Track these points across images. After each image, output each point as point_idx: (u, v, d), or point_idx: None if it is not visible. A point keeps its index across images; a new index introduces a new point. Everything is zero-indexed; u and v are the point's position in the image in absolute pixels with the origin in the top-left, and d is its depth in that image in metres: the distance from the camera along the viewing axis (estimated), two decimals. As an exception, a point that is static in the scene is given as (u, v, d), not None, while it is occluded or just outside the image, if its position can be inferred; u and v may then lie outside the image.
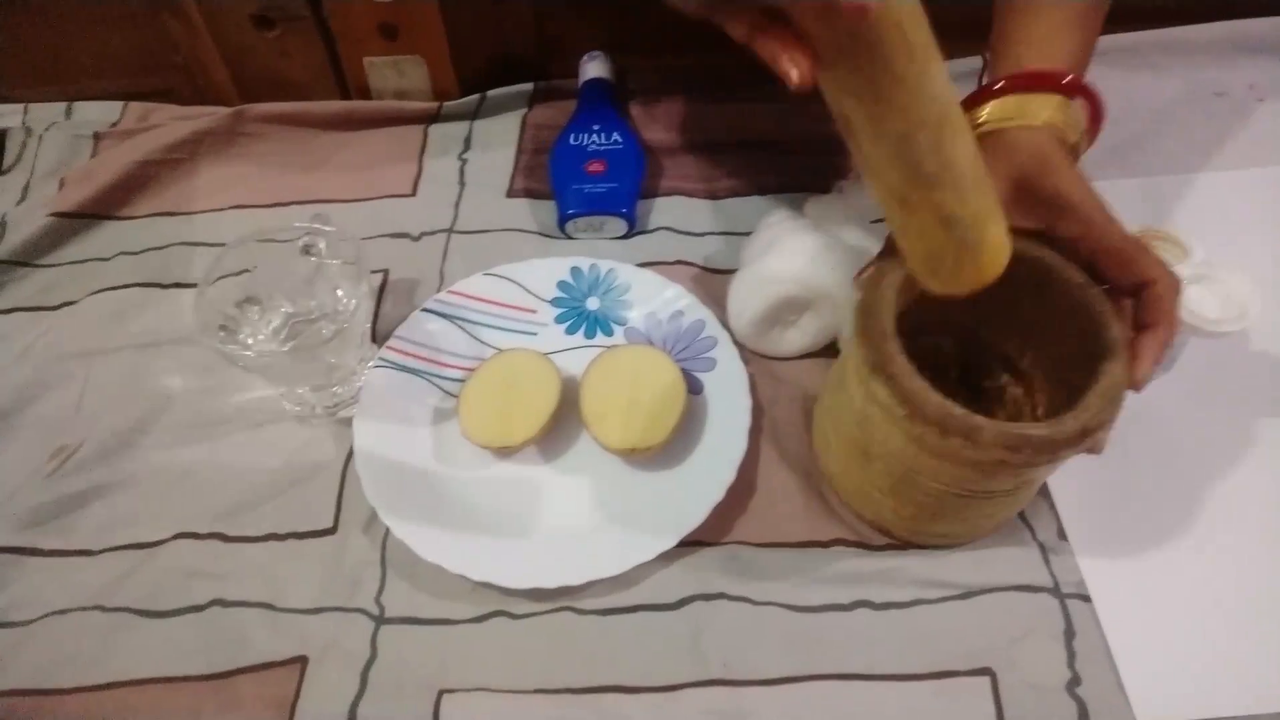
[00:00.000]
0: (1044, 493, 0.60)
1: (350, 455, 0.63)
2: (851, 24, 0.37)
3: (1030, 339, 0.57)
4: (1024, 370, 0.59)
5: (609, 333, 0.69)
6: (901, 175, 0.43)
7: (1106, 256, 0.50)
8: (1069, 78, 0.54)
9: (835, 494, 0.60)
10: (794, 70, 0.37)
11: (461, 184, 0.80)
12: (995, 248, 0.46)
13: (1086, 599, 0.55)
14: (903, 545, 0.58)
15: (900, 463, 0.51)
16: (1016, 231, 0.48)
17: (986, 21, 0.58)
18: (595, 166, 0.76)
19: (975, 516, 0.54)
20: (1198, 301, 0.57)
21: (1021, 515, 0.59)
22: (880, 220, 0.67)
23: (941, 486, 0.51)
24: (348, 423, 0.63)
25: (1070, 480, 0.59)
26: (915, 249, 0.48)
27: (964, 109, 0.54)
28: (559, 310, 0.70)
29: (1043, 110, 0.53)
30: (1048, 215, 0.51)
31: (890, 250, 0.53)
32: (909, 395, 0.47)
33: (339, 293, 0.63)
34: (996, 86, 0.54)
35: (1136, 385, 0.48)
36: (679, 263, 0.73)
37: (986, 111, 0.54)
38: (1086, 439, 0.46)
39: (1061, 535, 0.58)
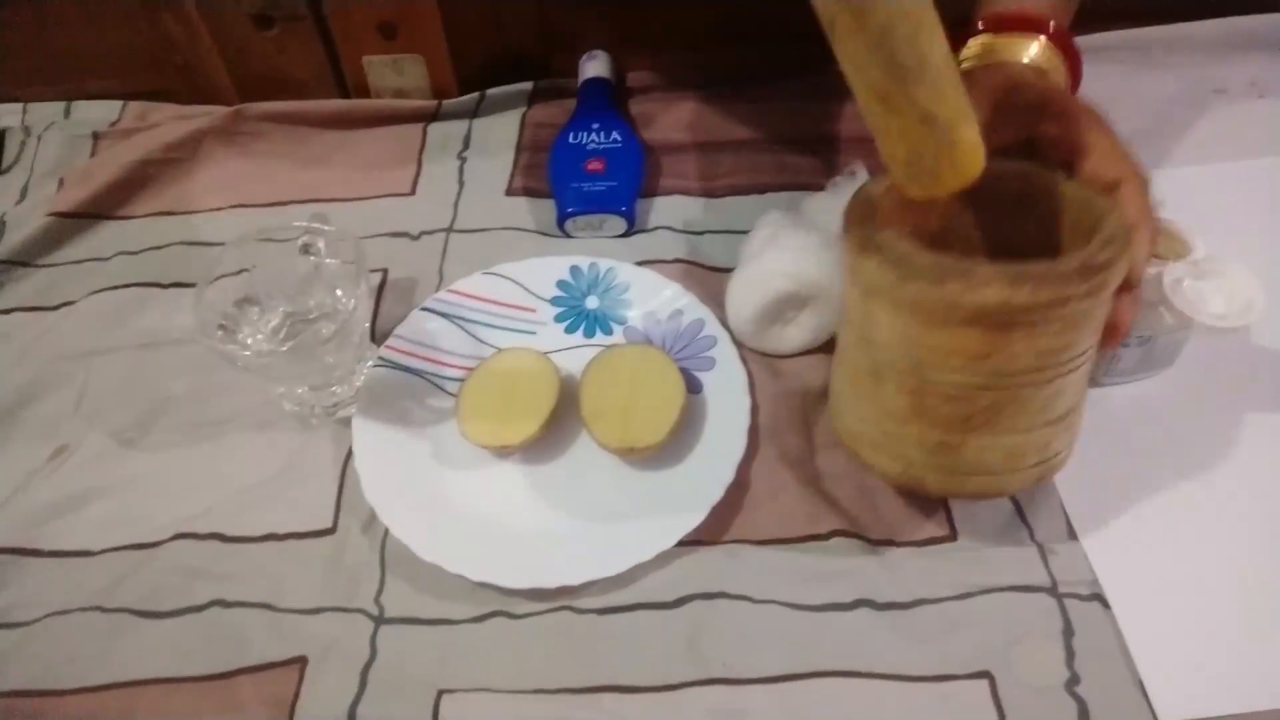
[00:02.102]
0: (1043, 490, 0.59)
1: (349, 455, 0.63)
2: None
3: (1022, 254, 0.55)
4: None
5: (608, 332, 0.69)
6: (882, 70, 0.44)
7: (1083, 154, 0.51)
8: (1051, 25, 0.55)
9: (859, 460, 0.56)
10: None
11: (461, 183, 0.80)
12: (970, 146, 0.47)
13: (1085, 598, 0.55)
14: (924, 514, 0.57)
15: (907, 354, 0.48)
16: (997, 152, 0.48)
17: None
18: (594, 165, 0.76)
19: (1008, 432, 0.50)
20: (1202, 297, 0.57)
21: (1021, 515, 0.58)
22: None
23: (957, 378, 0.48)
24: (347, 422, 0.63)
25: (1079, 478, 0.59)
26: (896, 152, 0.48)
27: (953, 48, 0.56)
28: (558, 309, 0.70)
29: (1024, 51, 0.55)
30: (1028, 121, 0.52)
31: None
32: (900, 258, 0.46)
33: (338, 292, 0.63)
34: (979, 27, 0.56)
35: (1131, 284, 0.49)
36: (678, 261, 0.73)
37: (968, 50, 0.56)
38: (1091, 277, 0.45)
39: (1071, 535, 0.58)
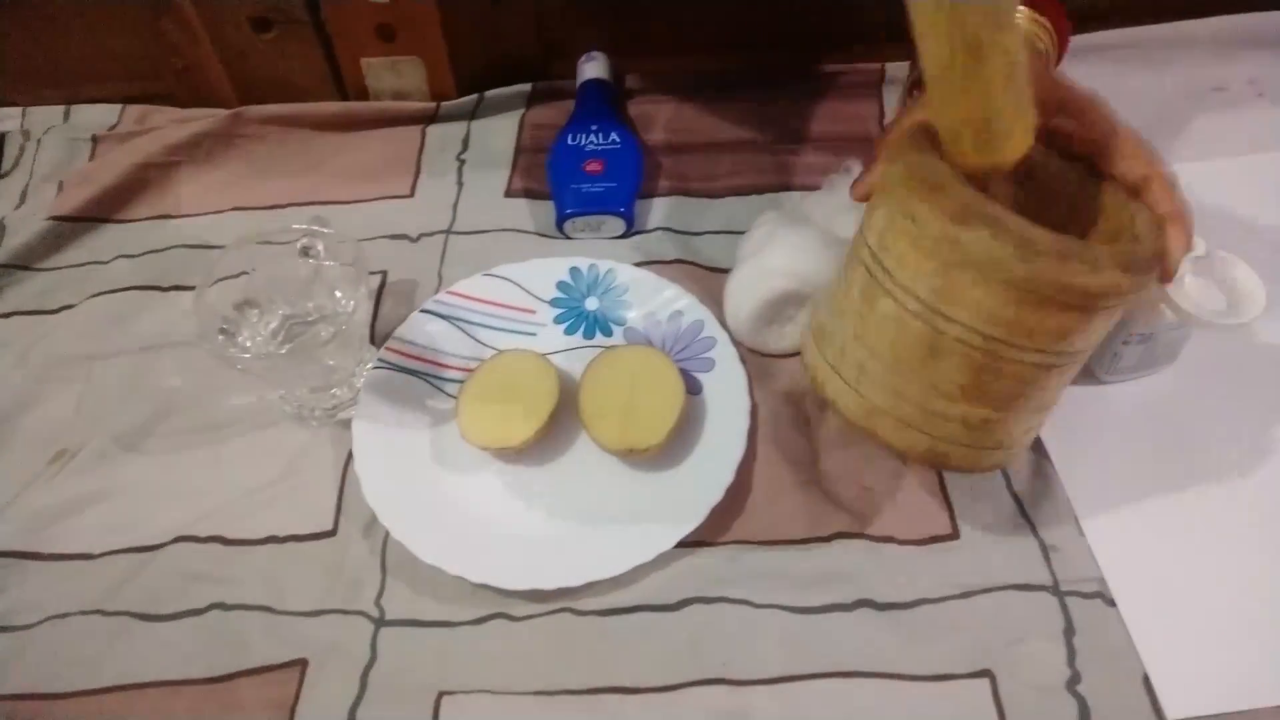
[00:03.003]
0: (1045, 489, 0.59)
1: (349, 457, 0.63)
2: None
3: None
4: None
5: (608, 333, 0.69)
6: (982, 15, 0.43)
7: (1108, 152, 0.51)
8: None
9: (872, 435, 0.52)
10: None
11: (460, 184, 0.80)
12: (1034, 114, 0.47)
13: (1087, 595, 0.55)
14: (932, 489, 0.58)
15: (984, 337, 0.46)
16: None
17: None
18: (593, 166, 0.76)
19: (1043, 406, 0.51)
20: (1204, 294, 0.57)
21: (1023, 512, 0.58)
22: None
23: (1031, 357, 0.47)
24: (347, 425, 0.63)
25: (1085, 476, 0.59)
26: (975, 113, 0.47)
27: None
28: (558, 311, 0.70)
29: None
30: (1040, 113, 0.51)
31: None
32: (1017, 231, 0.43)
33: (337, 294, 0.63)
34: None
35: (1168, 274, 0.49)
36: (677, 262, 0.73)
37: None
38: (1157, 265, 0.47)
39: (1074, 532, 0.58)
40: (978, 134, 0.47)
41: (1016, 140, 0.47)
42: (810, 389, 0.65)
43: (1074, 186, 0.51)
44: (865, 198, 0.54)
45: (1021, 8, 0.55)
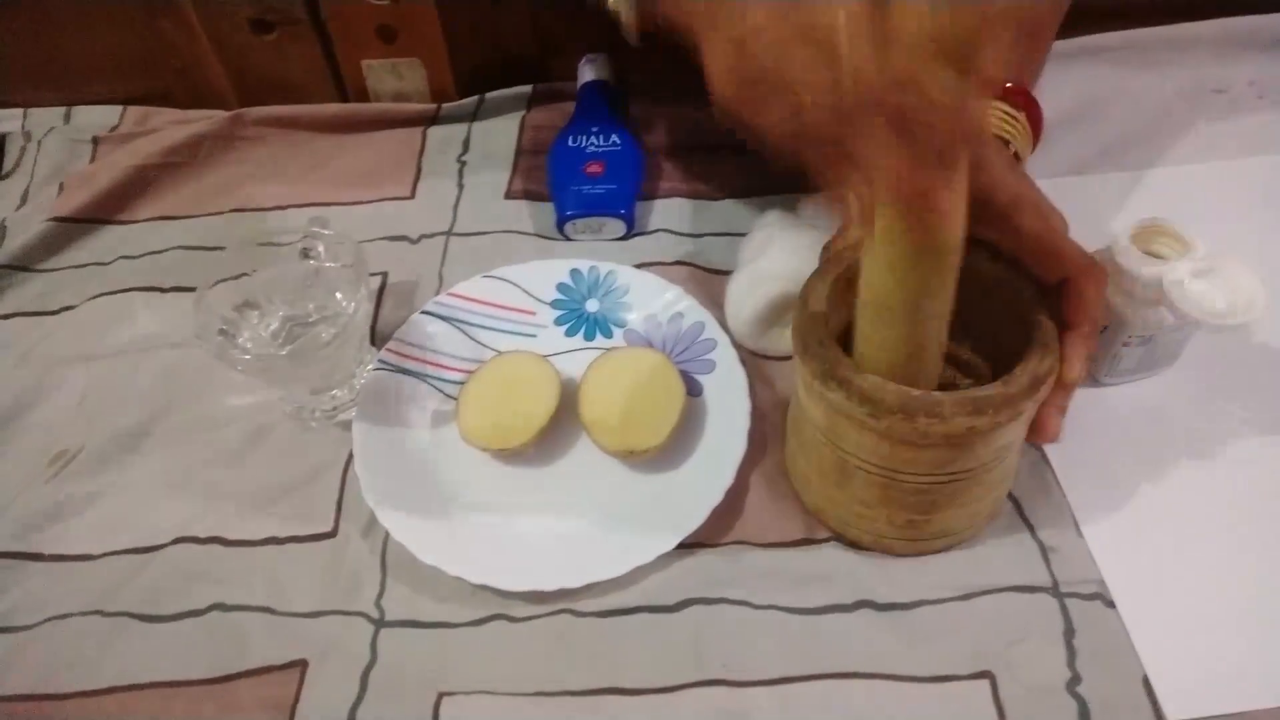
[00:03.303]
0: (1044, 491, 0.59)
1: (349, 458, 0.63)
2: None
3: (964, 331, 0.56)
4: (965, 360, 0.59)
5: (608, 335, 0.69)
6: (921, 285, 0.46)
7: (1028, 249, 0.51)
8: (1010, 84, 0.56)
9: (831, 532, 0.58)
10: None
11: (460, 186, 0.80)
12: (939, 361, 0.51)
13: (1086, 597, 0.55)
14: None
15: (879, 465, 0.51)
16: None
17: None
18: (594, 168, 0.76)
19: (970, 502, 0.54)
20: (1204, 295, 0.57)
21: (1021, 514, 0.58)
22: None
23: (925, 478, 0.51)
24: (347, 425, 0.63)
25: (1084, 478, 0.59)
26: (892, 356, 0.49)
27: None
28: (558, 312, 0.70)
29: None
30: (976, 216, 0.50)
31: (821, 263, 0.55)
32: (865, 393, 0.47)
33: (338, 296, 0.63)
34: None
35: (1067, 386, 0.50)
36: (678, 264, 0.73)
37: None
38: (1039, 388, 0.48)
39: (1073, 533, 0.57)
40: (888, 368, 0.49)
41: (928, 366, 0.50)
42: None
43: (1005, 287, 0.53)
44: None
45: (995, 102, 0.55)
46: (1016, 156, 0.60)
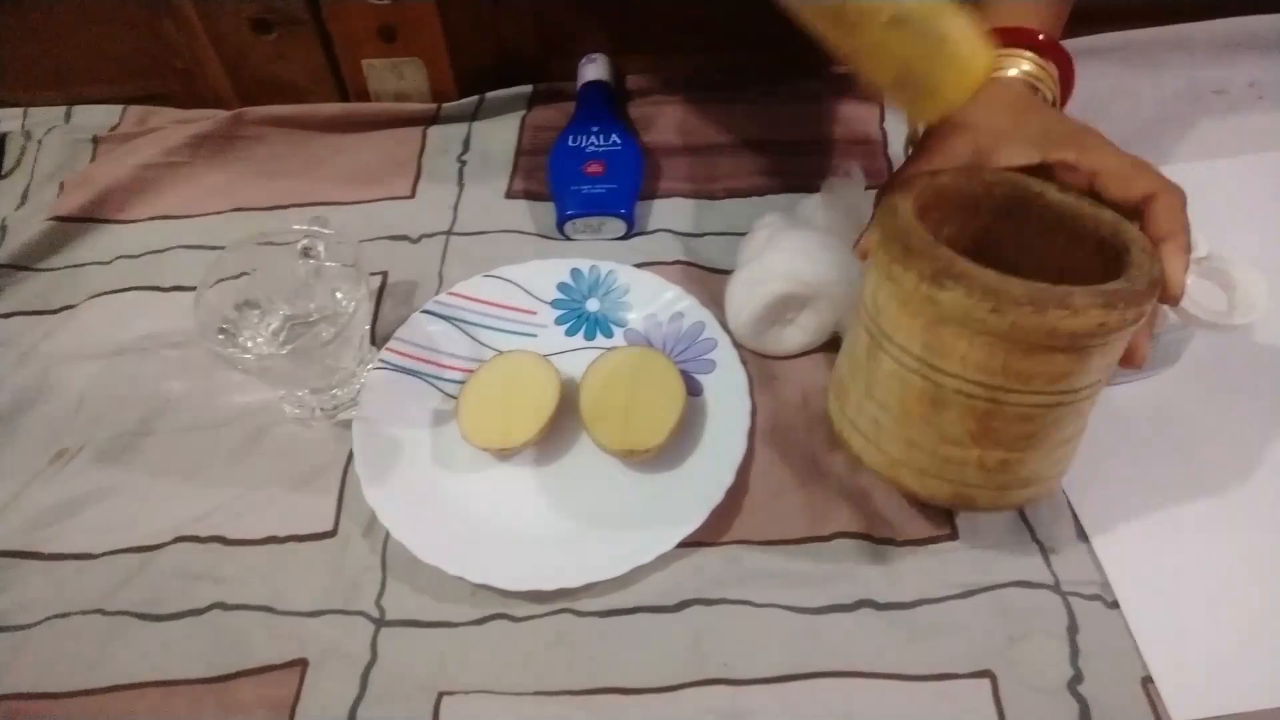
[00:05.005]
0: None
1: (350, 458, 0.63)
2: None
3: (1013, 271, 0.54)
4: None
5: (609, 334, 0.69)
6: None
7: (1105, 177, 0.50)
8: (1042, 36, 0.55)
9: (904, 491, 0.54)
10: None
11: (460, 185, 0.80)
12: (962, 35, 0.44)
13: (1087, 597, 0.55)
14: (949, 536, 0.57)
15: (985, 380, 0.47)
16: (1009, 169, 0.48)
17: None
18: (594, 168, 0.76)
19: (1063, 442, 0.51)
20: (1206, 295, 0.57)
21: (1022, 515, 0.58)
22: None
23: (1033, 400, 0.47)
24: (347, 425, 0.63)
25: (1088, 479, 0.59)
26: (883, 75, 0.45)
27: None
28: (559, 312, 0.70)
29: (1016, 66, 0.54)
30: (1038, 150, 0.51)
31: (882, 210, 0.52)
32: (990, 286, 0.44)
33: (338, 295, 0.63)
34: None
35: (1172, 298, 0.48)
36: (678, 263, 0.73)
37: None
38: (1155, 292, 0.46)
39: (1074, 534, 0.58)
40: (900, 92, 0.46)
41: (946, 86, 0.45)
42: (810, 390, 0.65)
43: (1076, 217, 0.51)
44: (865, 256, 0.53)
45: (1027, 53, 0.55)
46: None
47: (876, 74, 0.45)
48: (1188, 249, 0.48)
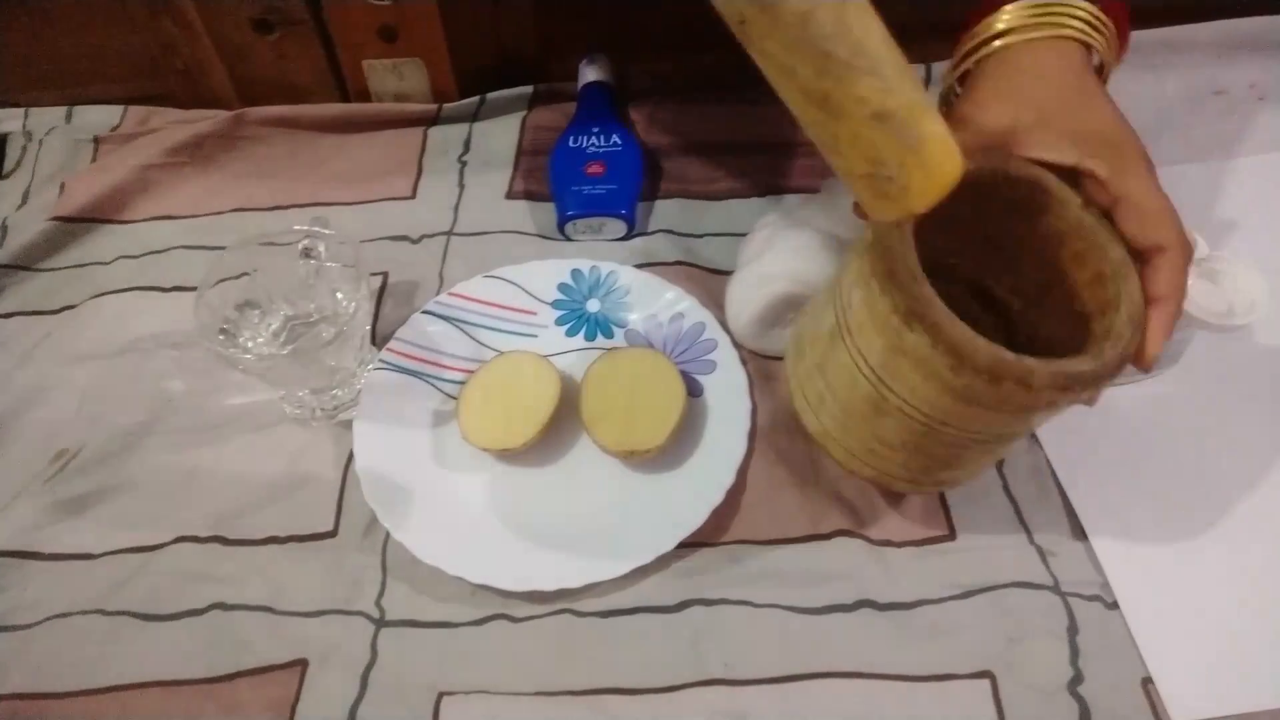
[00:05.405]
0: (1042, 496, 0.59)
1: (350, 458, 0.63)
2: None
3: (1012, 268, 0.54)
4: (999, 298, 0.57)
5: (609, 335, 0.69)
6: (813, 67, 0.40)
7: (1126, 209, 0.47)
8: None
9: (825, 452, 0.55)
10: None
11: (461, 186, 0.80)
12: (940, 142, 0.42)
13: (1086, 598, 0.55)
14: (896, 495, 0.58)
15: (925, 415, 0.47)
16: (1034, 162, 0.46)
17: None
18: (594, 168, 0.76)
19: (989, 459, 0.52)
20: (1206, 296, 0.57)
21: (1019, 517, 0.58)
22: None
23: (968, 435, 0.48)
24: (348, 425, 0.63)
25: (1087, 480, 0.60)
26: (855, 166, 0.44)
27: (979, 16, 0.50)
28: (559, 312, 0.70)
29: (1073, 15, 0.49)
30: (1075, 152, 0.48)
31: None
32: (955, 345, 0.43)
33: (339, 295, 0.63)
34: None
35: (1145, 365, 0.46)
36: (678, 264, 0.73)
37: (1008, 17, 0.50)
38: (1120, 366, 0.45)
39: (1072, 535, 0.58)
40: (867, 185, 0.44)
41: (916, 188, 0.43)
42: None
43: (1087, 238, 0.49)
44: (862, 216, 0.51)
45: (1084, 3, 0.50)
46: (1101, 68, 0.55)
47: (848, 163, 0.44)
48: (1176, 315, 0.47)
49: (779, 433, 0.63)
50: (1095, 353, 0.45)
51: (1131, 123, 0.50)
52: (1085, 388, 0.44)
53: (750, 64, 0.44)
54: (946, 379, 0.44)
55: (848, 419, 0.52)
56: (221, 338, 0.60)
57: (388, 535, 0.58)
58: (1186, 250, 0.47)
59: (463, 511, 0.60)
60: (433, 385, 0.66)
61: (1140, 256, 0.48)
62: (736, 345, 0.66)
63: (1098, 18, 0.51)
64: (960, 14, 0.55)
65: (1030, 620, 0.54)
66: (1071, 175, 0.50)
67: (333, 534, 0.60)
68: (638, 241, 0.75)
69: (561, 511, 0.60)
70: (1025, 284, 0.55)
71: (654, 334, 0.68)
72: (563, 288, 0.71)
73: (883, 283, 0.45)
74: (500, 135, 0.84)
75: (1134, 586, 0.55)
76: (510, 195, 0.80)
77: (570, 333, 0.69)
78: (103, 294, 0.73)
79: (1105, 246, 0.48)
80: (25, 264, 0.76)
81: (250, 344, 0.61)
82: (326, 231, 0.64)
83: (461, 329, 0.68)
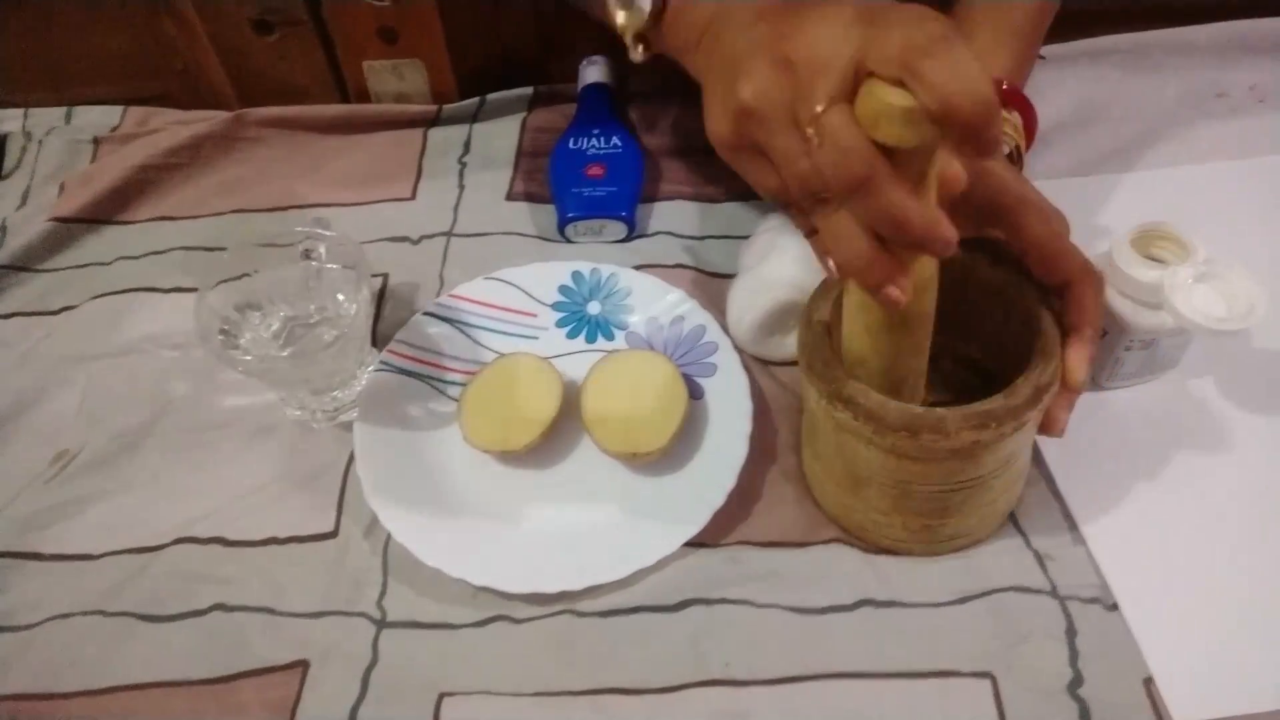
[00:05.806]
0: (1040, 501, 0.59)
1: (351, 459, 0.63)
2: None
3: (971, 333, 0.58)
4: (976, 360, 0.60)
5: (610, 337, 0.69)
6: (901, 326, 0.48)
7: (1031, 258, 0.52)
8: (1005, 85, 0.56)
9: (852, 536, 0.58)
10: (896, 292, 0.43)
11: (461, 187, 0.80)
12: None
13: (1087, 600, 0.55)
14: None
15: (889, 477, 0.52)
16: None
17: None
18: (595, 170, 0.76)
19: (983, 506, 0.55)
20: (1204, 300, 0.57)
21: (1015, 522, 0.58)
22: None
23: (936, 488, 0.51)
24: (348, 427, 0.63)
25: (1087, 483, 0.59)
26: (866, 353, 0.50)
27: None
28: (560, 314, 0.70)
29: None
30: (983, 217, 0.53)
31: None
32: (870, 412, 0.48)
33: (339, 297, 0.63)
34: None
35: (1071, 390, 0.50)
36: (679, 266, 0.73)
37: None
38: (1041, 397, 0.48)
39: (1070, 540, 0.58)
40: (878, 379, 0.50)
41: (906, 397, 0.51)
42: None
43: (1008, 291, 0.54)
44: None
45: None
46: (1013, 157, 0.61)
47: (883, 368, 0.50)
48: (1094, 340, 0.51)
49: (781, 436, 0.63)
50: (1009, 390, 0.48)
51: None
52: (1002, 423, 0.47)
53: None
54: (878, 442, 0.49)
55: (843, 496, 0.57)
56: (221, 339, 0.60)
57: (389, 536, 0.58)
58: (1093, 278, 0.51)
59: (464, 513, 0.60)
60: (433, 387, 0.66)
61: (1056, 292, 0.52)
62: (738, 348, 0.66)
63: (1003, 115, 0.56)
64: None
65: (1029, 624, 0.54)
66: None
67: (333, 535, 0.60)
68: (638, 243, 0.75)
69: (563, 513, 0.60)
70: (990, 344, 0.58)
71: (655, 336, 0.68)
72: (563, 290, 0.71)
73: (807, 373, 0.51)
74: (500, 136, 0.84)
75: (1134, 588, 0.55)
76: (510, 197, 0.80)
77: (571, 335, 0.69)
78: (102, 295, 0.73)
79: (1019, 297, 0.53)
80: (25, 264, 0.76)
81: (250, 345, 0.61)
82: (327, 233, 0.64)
83: (462, 331, 0.68)
